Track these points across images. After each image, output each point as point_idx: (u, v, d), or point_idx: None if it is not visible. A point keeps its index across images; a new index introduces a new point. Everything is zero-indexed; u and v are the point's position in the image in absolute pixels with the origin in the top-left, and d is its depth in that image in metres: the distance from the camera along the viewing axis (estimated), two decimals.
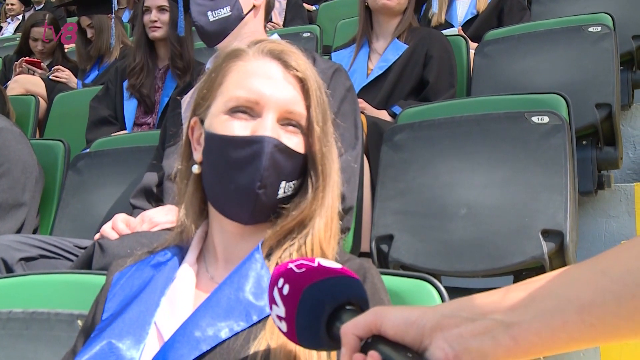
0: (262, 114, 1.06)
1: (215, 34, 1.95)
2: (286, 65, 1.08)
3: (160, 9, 3.08)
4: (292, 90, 1.07)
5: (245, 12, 1.95)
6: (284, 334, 0.81)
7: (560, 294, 0.66)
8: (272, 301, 0.82)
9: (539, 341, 0.65)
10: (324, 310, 0.78)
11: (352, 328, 0.73)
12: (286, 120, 1.07)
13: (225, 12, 1.93)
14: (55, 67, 4.06)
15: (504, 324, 0.67)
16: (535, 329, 0.65)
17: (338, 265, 0.83)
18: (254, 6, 1.98)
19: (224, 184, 1.06)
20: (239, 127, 1.05)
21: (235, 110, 1.06)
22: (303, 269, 0.81)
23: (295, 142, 1.06)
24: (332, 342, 0.78)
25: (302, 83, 1.07)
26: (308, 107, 1.07)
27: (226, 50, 1.14)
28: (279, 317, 0.81)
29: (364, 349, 0.73)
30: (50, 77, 4.01)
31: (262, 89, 1.06)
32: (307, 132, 1.07)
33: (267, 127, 1.04)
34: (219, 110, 1.07)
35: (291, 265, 0.82)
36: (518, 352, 0.66)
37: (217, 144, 1.06)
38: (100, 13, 3.97)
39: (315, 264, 0.81)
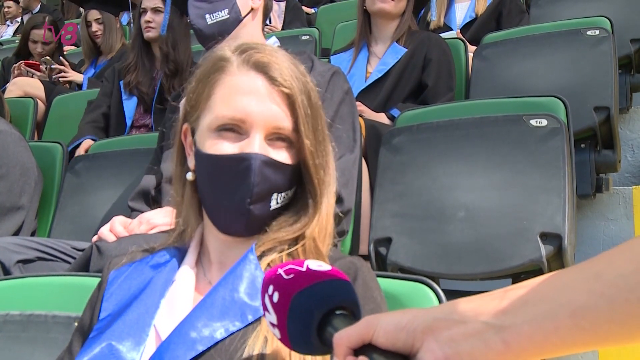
0: (250, 132, 1.06)
1: (213, 37, 1.95)
2: (271, 79, 1.06)
3: (155, 10, 3.12)
4: (278, 105, 1.06)
5: (243, 15, 1.95)
6: (279, 339, 0.81)
7: (553, 297, 0.65)
8: (264, 308, 0.82)
9: (530, 345, 0.65)
10: (314, 317, 0.77)
11: (345, 340, 0.73)
12: (274, 135, 1.07)
13: (223, 15, 1.93)
14: (56, 67, 4.05)
15: (495, 327, 0.66)
16: (527, 333, 0.65)
17: (328, 267, 0.82)
18: (252, 9, 1.98)
19: (216, 200, 1.07)
20: (227, 147, 1.06)
21: (222, 129, 1.06)
22: (291, 275, 0.80)
23: (284, 156, 1.07)
24: (325, 347, 0.78)
25: (289, 97, 1.07)
26: (296, 121, 1.06)
27: (211, 58, 1.12)
28: (272, 324, 0.81)
29: (355, 354, 0.73)
30: (54, 77, 4.02)
31: (248, 107, 1.05)
32: (297, 144, 1.07)
33: (254, 145, 1.05)
34: (207, 127, 1.08)
35: (280, 271, 0.81)
36: (509, 355, 0.65)
37: (207, 162, 1.07)
38: (110, 12, 4.02)
39: (304, 268, 0.81)
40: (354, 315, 0.79)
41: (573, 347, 0.65)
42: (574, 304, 0.63)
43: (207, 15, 1.93)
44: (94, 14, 4.12)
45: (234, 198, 1.05)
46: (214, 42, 1.94)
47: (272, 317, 0.80)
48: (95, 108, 3.20)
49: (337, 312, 0.78)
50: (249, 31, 1.97)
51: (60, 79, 4.04)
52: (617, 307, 0.62)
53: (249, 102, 1.05)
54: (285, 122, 1.06)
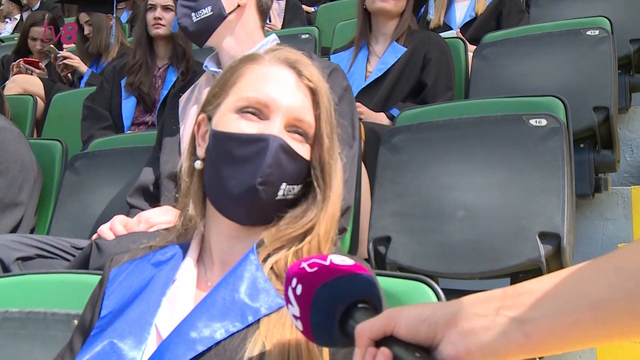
0: (271, 117, 1.07)
1: (199, 34, 1.98)
2: (299, 74, 1.10)
3: (165, 8, 3.12)
4: (303, 99, 1.08)
5: (227, 11, 1.96)
6: (301, 332, 0.83)
7: (573, 291, 0.66)
8: (287, 301, 0.83)
9: (551, 338, 0.65)
10: (337, 310, 0.79)
11: (367, 331, 0.74)
12: (293, 128, 1.08)
13: (206, 12, 1.95)
14: (61, 55, 4.03)
15: (516, 321, 0.67)
16: (548, 326, 0.65)
17: (351, 262, 0.83)
18: (239, 5, 1.98)
19: (224, 180, 1.06)
20: (246, 126, 1.07)
21: (244, 111, 1.08)
22: (315, 268, 0.81)
23: (300, 148, 1.08)
24: (346, 339, 0.79)
25: (314, 94, 1.09)
26: (317, 118, 1.08)
27: (243, 54, 1.16)
28: (295, 317, 0.82)
29: (376, 346, 0.74)
30: (63, 62, 3.99)
31: (273, 93, 1.07)
32: (314, 142, 1.08)
33: (274, 128, 1.06)
34: (228, 109, 1.09)
35: (304, 265, 0.82)
36: (530, 348, 0.66)
37: (222, 140, 1.07)
38: (101, 12, 3.99)
39: (327, 262, 0.82)
40: (375, 309, 0.80)
41: (592, 340, 0.65)
42: (593, 297, 0.64)
43: (193, 14, 1.96)
44: (83, 17, 4.10)
45: (244, 177, 1.04)
46: (206, 39, 1.97)
47: (294, 309, 0.82)
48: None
49: (359, 305, 0.79)
50: (241, 28, 1.98)
51: (66, 64, 4.00)
52: (636, 300, 0.62)
53: (276, 89, 1.08)
54: (307, 116, 1.08)
